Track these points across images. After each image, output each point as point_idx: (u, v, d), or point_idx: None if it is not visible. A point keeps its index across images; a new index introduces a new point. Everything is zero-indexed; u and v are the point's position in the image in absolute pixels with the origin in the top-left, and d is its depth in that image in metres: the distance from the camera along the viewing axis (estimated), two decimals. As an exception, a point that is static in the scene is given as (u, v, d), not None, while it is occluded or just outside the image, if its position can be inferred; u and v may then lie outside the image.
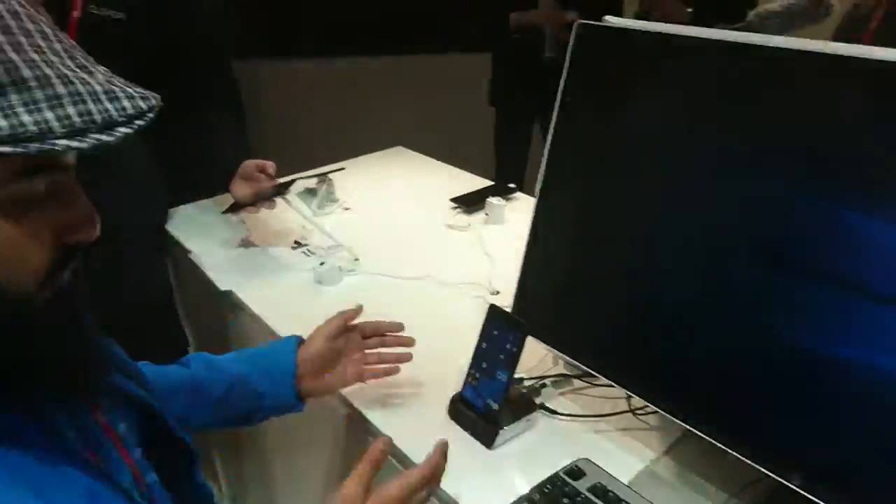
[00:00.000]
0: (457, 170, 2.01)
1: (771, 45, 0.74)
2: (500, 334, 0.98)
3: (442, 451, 0.79)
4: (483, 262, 1.47)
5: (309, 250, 1.53)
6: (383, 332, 1.04)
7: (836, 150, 0.71)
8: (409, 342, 1.03)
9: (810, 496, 0.75)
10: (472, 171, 1.97)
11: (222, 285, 1.38)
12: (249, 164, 1.48)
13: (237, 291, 1.35)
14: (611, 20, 0.93)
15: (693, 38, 0.81)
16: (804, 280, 0.73)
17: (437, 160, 2.08)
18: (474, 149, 2.70)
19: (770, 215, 0.75)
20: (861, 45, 0.68)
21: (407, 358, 1.02)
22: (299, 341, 0.99)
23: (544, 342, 1.02)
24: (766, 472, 0.78)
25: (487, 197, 1.66)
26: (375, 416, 1.02)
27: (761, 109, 0.77)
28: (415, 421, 1.01)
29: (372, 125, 2.82)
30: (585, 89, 0.95)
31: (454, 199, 1.72)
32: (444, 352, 1.16)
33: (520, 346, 0.95)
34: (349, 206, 1.74)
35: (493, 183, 1.84)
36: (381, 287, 1.38)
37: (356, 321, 1.03)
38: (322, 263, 1.40)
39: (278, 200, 1.53)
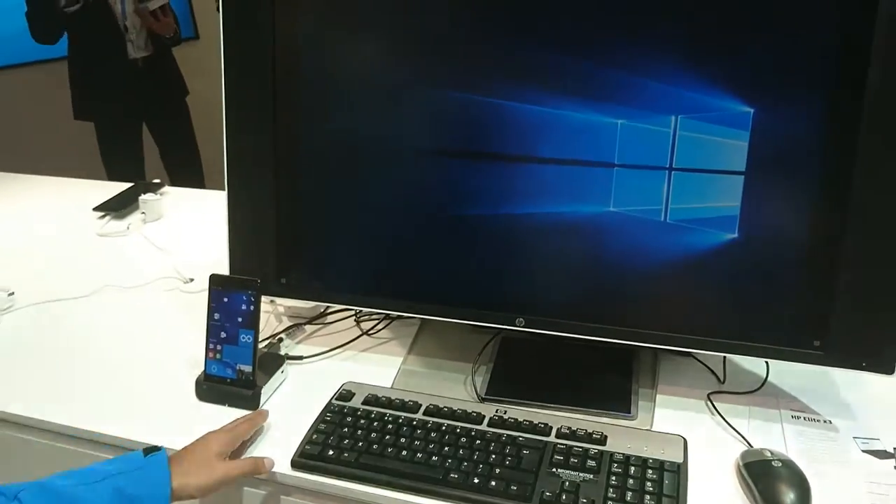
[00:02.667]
0: (78, 180, 1.83)
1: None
2: (232, 298, 0.98)
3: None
4: (160, 257, 1.40)
5: (-64, 304, 1.27)
6: None
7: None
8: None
9: (535, 330, 0.94)
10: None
11: None
12: None
13: None
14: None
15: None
16: (485, 162, 0.90)
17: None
18: (77, 162, 2.45)
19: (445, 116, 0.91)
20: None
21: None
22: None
23: (274, 296, 1.05)
24: (496, 325, 0.95)
25: (137, 196, 1.57)
26: (122, 432, 0.94)
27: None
28: (167, 423, 0.95)
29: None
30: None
31: (98, 207, 1.58)
32: (163, 348, 1.11)
33: (257, 303, 0.97)
34: (-35, 247, 1.48)
35: (132, 183, 1.72)
36: (54, 315, 1.22)
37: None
38: (-32, 309, 1.18)
39: None
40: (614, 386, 0.97)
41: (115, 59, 2.47)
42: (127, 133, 2.63)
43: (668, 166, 0.85)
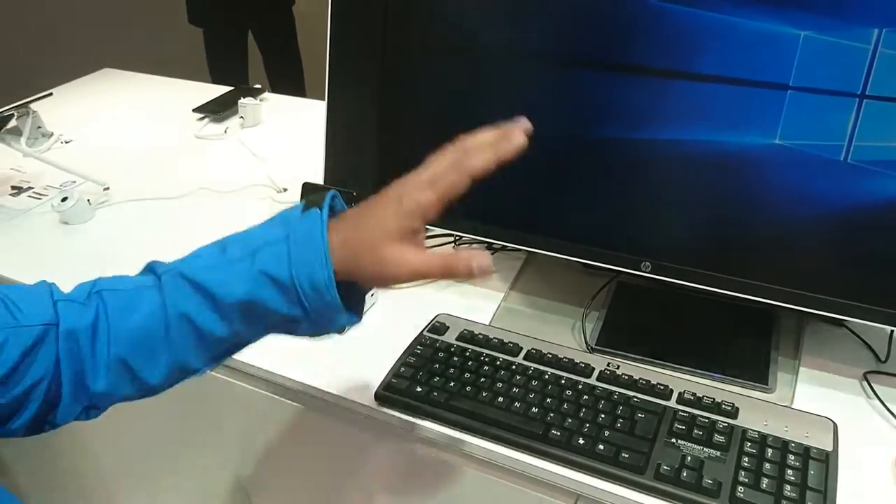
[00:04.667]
0: (181, 81, 1.79)
1: None
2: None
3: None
4: (255, 164, 1.34)
5: (36, 192, 1.26)
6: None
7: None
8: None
9: (663, 277, 0.81)
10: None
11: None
12: None
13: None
14: None
15: None
16: (628, 75, 0.76)
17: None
18: (180, 67, 2.44)
19: (588, 20, 0.76)
20: None
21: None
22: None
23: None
24: (618, 268, 0.83)
25: (237, 100, 1.51)
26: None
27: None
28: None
29: (58, 53, 2.40)
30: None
31: (197, 109, 1.53)
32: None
33: (351, 218, 0.88)
34: (69, 139, 1.46)
35: (232, 88, 1.66)
36: (147, 213, 1.19)
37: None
38: (64, 199, 1.16)
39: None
40: (749, 351, 0.84)
41: None
42: (233, 40, 2.59)
43: (859, 93, 0.68)
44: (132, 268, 1.02)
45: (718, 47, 0.72)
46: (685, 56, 0.73)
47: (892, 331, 0.82)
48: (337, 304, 0.55)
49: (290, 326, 0.58)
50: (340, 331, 0.70)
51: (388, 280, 0.57)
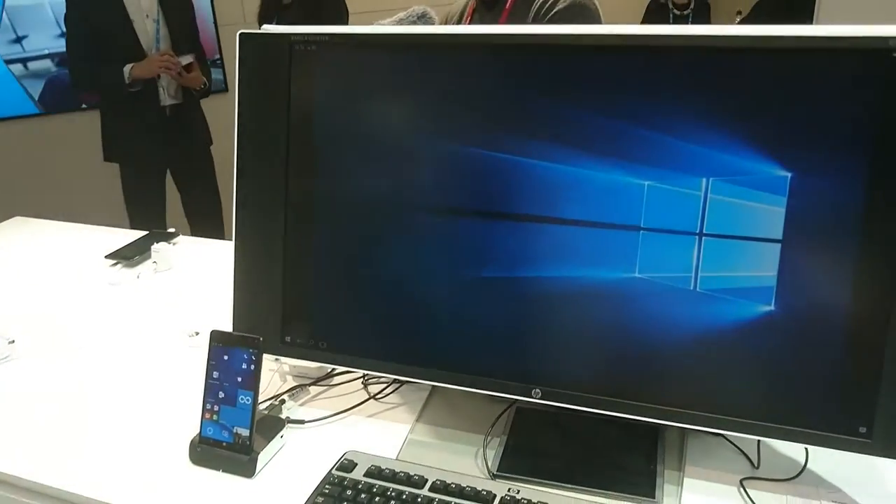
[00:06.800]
0: (94, 227, 1.82)
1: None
2: (232, 357, 0.93)
3: None
4: (167, 309, 1.36)
5: (-65, 350, 1.24)
6: None
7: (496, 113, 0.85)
8: None
9: (552, 402, 0.87)
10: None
11: None
12: None
13: None
14: (269, 28, 0.96)
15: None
16: (505, 221, 0.85)
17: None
18: (101, 207, 2.46)
19: (468, 174, 0.86)
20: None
21: None
22: None
23: (277, 355, 1.00)
24: (511, 395, 0.89)
25: (150, 245, 1.54)
26: (109, 497, 0.88)
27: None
28: (157, 487, 0.90)
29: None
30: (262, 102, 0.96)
31: (110, 255, 1.55)
32: (162, 405, 1.06)
33: (258, 363, 0.92)
34: (-27, 292, 1.46)
35: (147, 232, 1.70)
36: (55, 366, 1.18)
37: None
38: (-34, 357, 1.15)
39: None
40: (637, 466, 0.90)
41: (146, 105, 2.51)
42: (150, 178, 2.64)
43: (698, 231, 0.80)
44: (33, 431, 1.01)
45: (578, 196, 0.83)
46: (550, 204, 0.84)
47: (759, 439, 0.90)
48: None
49: None
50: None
51: None
